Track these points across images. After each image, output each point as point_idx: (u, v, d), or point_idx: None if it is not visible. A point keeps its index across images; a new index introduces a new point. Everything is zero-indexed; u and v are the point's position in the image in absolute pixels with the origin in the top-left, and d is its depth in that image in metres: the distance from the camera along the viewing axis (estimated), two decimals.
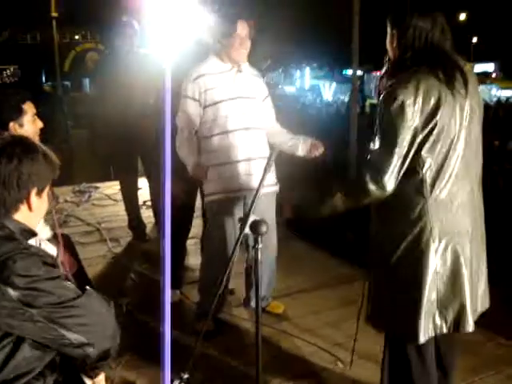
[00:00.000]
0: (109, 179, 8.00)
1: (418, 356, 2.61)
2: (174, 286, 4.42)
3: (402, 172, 2.38)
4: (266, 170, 2.51)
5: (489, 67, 42.48)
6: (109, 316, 2.03)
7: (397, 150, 2.33)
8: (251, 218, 2.28)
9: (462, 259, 2.48)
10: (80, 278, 3.15)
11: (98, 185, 8.05)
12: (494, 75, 41.77)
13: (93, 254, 5.45)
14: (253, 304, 4.14)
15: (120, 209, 6.69)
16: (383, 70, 2.59)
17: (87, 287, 2.01)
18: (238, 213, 3.76)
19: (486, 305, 2.69)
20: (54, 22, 16.48)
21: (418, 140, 2.34)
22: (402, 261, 2.49)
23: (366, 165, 2.45)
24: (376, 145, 2.42)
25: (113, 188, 7.67)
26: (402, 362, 2.66)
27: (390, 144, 2.35)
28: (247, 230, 2.28)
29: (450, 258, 2.47)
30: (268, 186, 3.74)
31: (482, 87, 35.95)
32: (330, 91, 33.66)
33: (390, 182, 2.37)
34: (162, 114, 1.77)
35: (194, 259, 4.86)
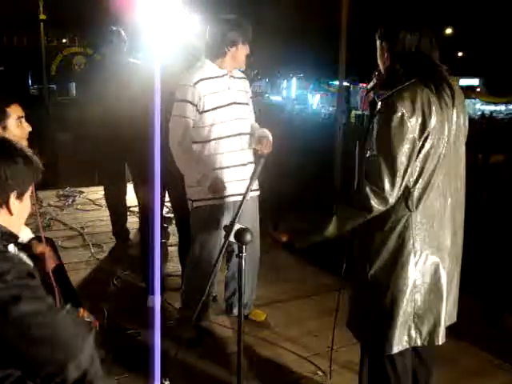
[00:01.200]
0: (93, 184, 7.99)
1: (393, 367, 2.64)
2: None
3: (404, 185, 2.39)
4: (253, 177, 2.53)
5: (474, 82, 42.84)
6: (86, 341, 1.87)
7: (398, 163, 2.34)
8: (236, 227, 2.29)
9: (441, 273, 2.52)
10: (62, 285, 3.14)
11: (83, 189, 8.03)
12: (478, 90, 42.15)
13: (75, 258, 5.43)
14: (235, 311, 4.15)
15: (104, 214, 6.68)
16: (370, 84, 2.62)
17: (68, 306, 1.96)
18: (227, 219, 3.79)
19: (454, 319, 2.73)
20: (41, 25, 16.36)
21: (415, 153, 2.37)
22: (382, 271, 2.51)
23: (367, 180, 2.42)
24: (371, 153, 2.42)
25: (97, 193, 7.66)
26: (378, 372, 2.69)
27: (390, 157, 2.35)
28: (232, 238, 2.29)
29: (430, 271, 2.50)
30: (251, 191, 3.78)
31: (467, 101, 36.23)
32: (316, 102, 33.79)
33: (393, 195, 2.37)
34: (150, 121, 1.79)
35: (174, 265, 4.86)
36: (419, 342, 2.57)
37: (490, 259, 5.56)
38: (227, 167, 3.76)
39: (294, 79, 33.30)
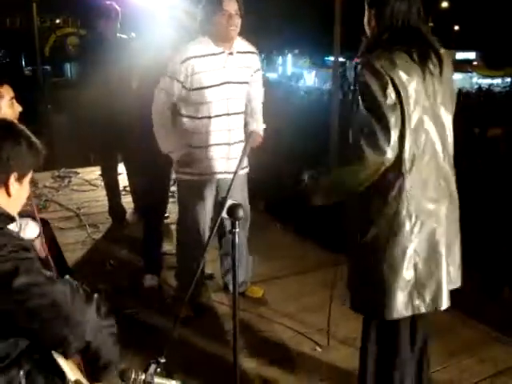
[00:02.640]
0: (89, 165, 7.96)
1: (394, 334, 2.64)
2: (152, 271, 4.43)
3: (396, 141, 2.36)
4: (243, 154, 2.51)
5: (470, 55, 42.70)
6: (86, 312, 1.89)
7: (388, 116, 2.33)
8: (228, 202, 2.27)
9: (438, 237, 2.50)
10: (59, 264, 3.13)
11: (78, 170, 8.00)
12: (475, 63, 42.00)
13: (72, 239, 5.42)
14: (231, 288, 4.14)
15: (100, 194, 6.67)
16: (359, 53, 2.59)
17: (66, 276, 1.97)
18: (210, 196, 3.83)
19: (459, 283, 2.69)
20: (34, 6, 16.23)
21: (399, 111, 2.35)
22: (378, 238, 2.49)
23: (359, 132, 2.40)
24: (359, 113, 2.40)
25: (93, 173, 7.64)
26: (380, 340, 2.69)
27: (379, 111, 2.34)
28: (224, 214, 2.26)
29: (426, 236, 2.49)
30: (243, 168, 3.85)
31: (463, 75, 36.18)
32: (312, 78, 33.64)
33: (389, 145, 2.34)
34: (143, 98, 1.77)
35: (172, 244, 4.83)
36: (423, 309, 2.55)
37: (488, 232, 5.56)
38: (212, 145, 3.72)
39: (290, 56, 33.13)
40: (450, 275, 2.59)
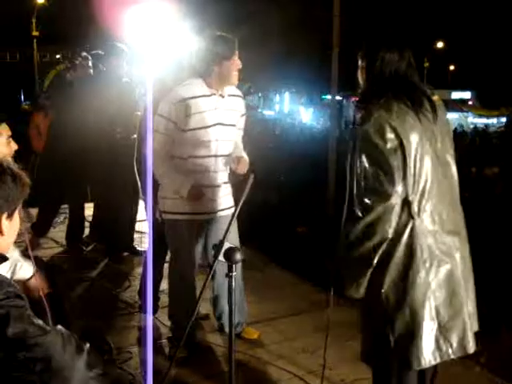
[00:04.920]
0: (85, 201, 7.92)
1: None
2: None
3: (402, 188, 2.37)
4: (243, 195, 2.50)
5: (466, 95, 43.10)
6: (75, 364, 1.85)
7: (391, 166, 2.35)
8: (225, 245, 2.26)
9: (455, 278, 2.48)
10: (55, 305, 3.09)
11: None
12: (470, 103, 42.39)
13: (68, 277, 5.36)
14: (227, 330, 4.10)
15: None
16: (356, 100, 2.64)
17: (58, 326, 1.93)
18: (199, 236, 3.85)
19: (476, 326, 2.63)
20: (34, 41, 16.42)
21: (401, 161, 2.37)
22: (394, 287, 2.45)
23: (362, 181, 2.42)
24: (361, 163, 2.41)
25: (89, 210, 7.59)
26: None
27: (379, 158, 2.36)
28: (221, 257, 2.25)
29: (444, 278, 2.45)
30: (228, 209, 3.86)
31: (458, 114, 36.50)
32: (308, 116, 33.85)
33: (393, 190, 2.36)
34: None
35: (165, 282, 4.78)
36: (451, 354, 2.50)
37: (486, 270, 5.54)
38: (200, 186, 3.72)
39: (287, 94, 33.39)
40: (470, 315, 2.54)
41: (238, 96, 3.92)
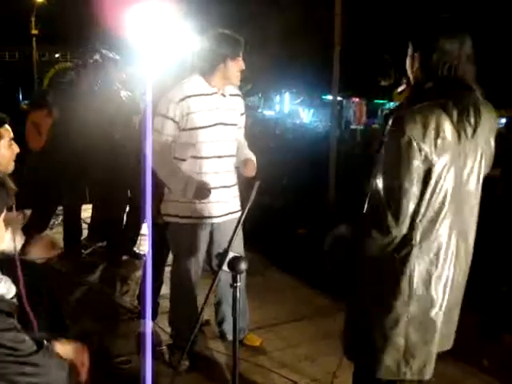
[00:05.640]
0: (84, 202, 7.83)
1: None
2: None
3: (409, 218, 2.21)
4: (248, 202, 2.41)
5: None
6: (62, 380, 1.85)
7: (404, 191, 2.16)
8: (230, 255, 2.18)
9: (437, 309, 2.35)
10: (54, 317, 3.02)
11: None
12: None
13: (67, 281, 5.27)
14: (228, 337, 4.03)
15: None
16: (400, 88, 2.44)
17: (45, 342, 1.86)
18: (202, 240, 3.74)
19: (449, 346, 2.56)
20: (33, 40, 16.36)
21: (422, 183, 2.18)
22: (376, 300, 2.38)
23: (371, 212, 2.28)
24: (381, 179, 2.23)
25: (86, 211, 7.49)
26: None
27: (395, 184, 2.17)
28: (225, 267, 2.17)
29: (425, 306, 2.34)
30: (234, 213, 3.76)
31: None
32: (309, 116, 33.75)
33: (396, 228, 2.19)
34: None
35: (166, 287, 4.69)
36: (408, 376, 2.42)
37: (488, 274, 5.47)
38: (206, 185, 3.61)
39: (287, 94, 33.32)
40: (443, 341, 2.47)
41: (237, 95, 3.86)
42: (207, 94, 3.63)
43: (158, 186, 3.62)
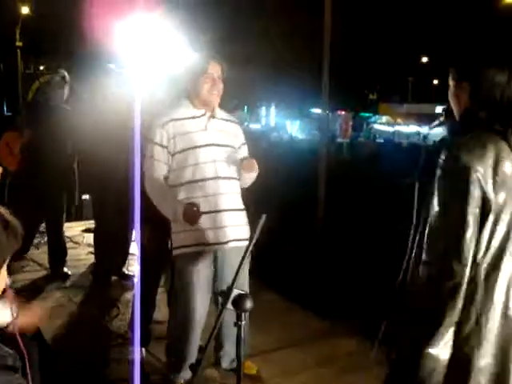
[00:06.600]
0: (70, 219, 7.66)
1: None
2: (140, 344, 4.14)
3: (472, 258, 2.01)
4: (254, 237, 2.27)
5: None
6: None
7: (465, 228, 1.97)
8: (234, 292, 2.05)
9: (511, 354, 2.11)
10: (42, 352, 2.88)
11: None
12: None
13: (51, 303, 5.09)
14: (224, 365, 3.89)
15: (81, 252, 6.43)
16: (435, 123, 2.37)
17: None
18: (207, 269, 3.58)
19: None
20: (18, 52, 16.20)
21: (481, 216, 2.00)
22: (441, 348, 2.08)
23: (427, 258, 2.07)
24: (436, 211, 2.05)
25: (74, 230, 7.34)
26: None
27: (456, 222, 1.99)
28: (229, 305, 2.05)
29: (499, 356, 2.09)
30: (241, 240, 3.55)
31: (443, 128, 36.63)
32: (295, 129, 33.81)
33: (461, 273, 1.98)
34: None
35: (160, 312, 4.54)
36: None
37: None
38: (194, 205, 3.46)
39: (273, 107, 33.38)
40: None
41: (232, 122, 3.77)
42: (194, 117, 3.56)
43: (148, 208, 3.48)
